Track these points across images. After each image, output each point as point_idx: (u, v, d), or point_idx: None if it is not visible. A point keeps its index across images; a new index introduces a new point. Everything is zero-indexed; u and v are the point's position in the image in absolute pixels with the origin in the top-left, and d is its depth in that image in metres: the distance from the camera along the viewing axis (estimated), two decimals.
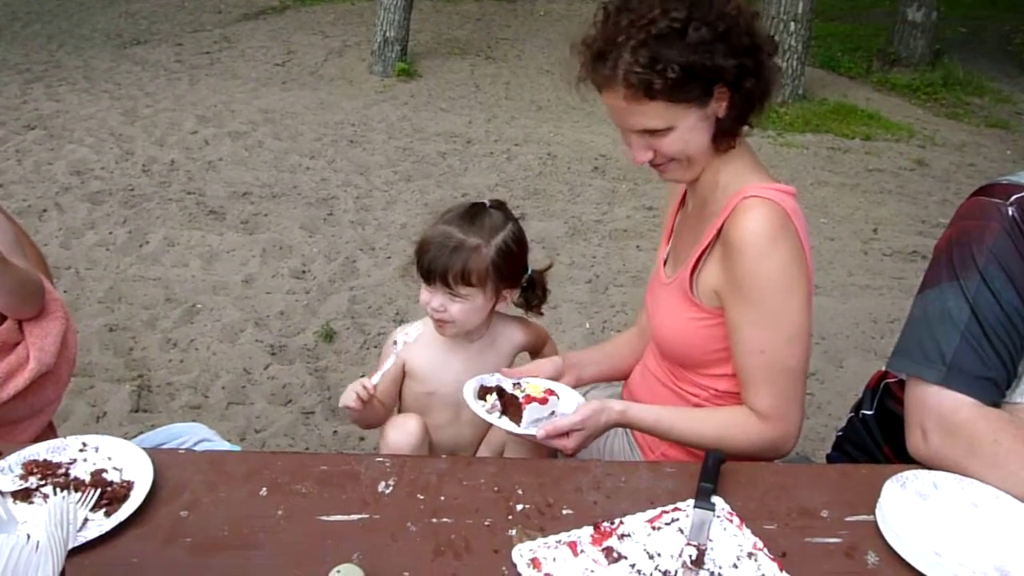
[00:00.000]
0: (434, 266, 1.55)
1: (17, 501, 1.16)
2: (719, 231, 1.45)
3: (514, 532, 1.14)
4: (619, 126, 1.46)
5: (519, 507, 1.20)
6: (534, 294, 1.71)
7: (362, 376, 1.57)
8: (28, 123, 6.28)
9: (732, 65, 1.36)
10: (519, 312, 1.77)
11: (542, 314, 1.77)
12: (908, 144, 7.23)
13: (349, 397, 1.54)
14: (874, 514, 1.19)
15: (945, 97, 8.96)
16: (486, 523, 1.17)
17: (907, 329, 1.38)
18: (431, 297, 1.58)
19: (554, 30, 11.24)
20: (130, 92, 7.35)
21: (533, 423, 1.44)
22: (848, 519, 1.20)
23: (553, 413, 1.49)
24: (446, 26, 10.90)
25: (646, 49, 1.33)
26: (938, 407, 1.28)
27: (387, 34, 8.57)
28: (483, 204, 1.63)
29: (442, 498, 1.22)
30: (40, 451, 1.25)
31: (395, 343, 1.63)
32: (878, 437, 1.61)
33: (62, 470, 1.22)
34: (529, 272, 1.68)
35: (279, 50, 9.39)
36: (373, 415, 1.63)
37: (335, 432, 3.00)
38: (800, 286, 1.40)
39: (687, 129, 1.40)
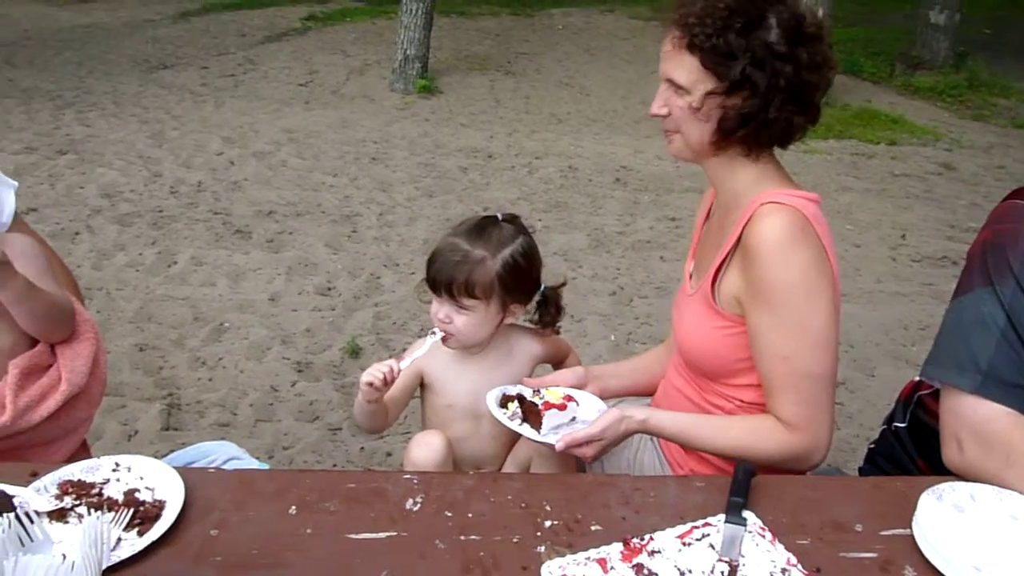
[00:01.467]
0: (439, 277, 1.56)
1: (52, 521, 1.17)
2: (739, 238, 1.44)
3: (543, 549, 1.14)
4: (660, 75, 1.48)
5: (547, 523, 1.19)
6: (547, 311, 1.70)
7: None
8: (60, 148, 6.41)
9: (775, 72, 1.37)
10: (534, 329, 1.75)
11: (557, 332, 1.75)
12: (934, 148, 7.15)
13: (372, 374, 1.50)
14: (910, 528, 1.16)
15: (971, 99, 8.85)
16: (514, 540, 1.16)
17: (940, 337, 1.36)
18: (439, 308, 1.59)
19: (572, 43, 11.28)
20: (157, 115, 7.47)
21: (553, 429, 1.44)
22: (883, 533, 1.18)
23: (574, 419, 1.49)
24: (465, 42, 10.98)
25: (725, 13, 1.36)
26: (973, 417, 1.25)
27: (407, 52, 8.65)
28: (495, 217, 1.64)
29: (470, 515, 1.22)
30: (74, 471, 1.27)
31: (433, 332, 1.61)
32: (911, 450, 1.58)
33: (96, 490, 1.23)
34: (542, 288, 1.67)
35: (301, 70, 9.51)
36: (380, 414, 1.60)
37: (362, 448, 3.01)
38: (822, 292, 1.39)
39: (696, 102, 1.41)
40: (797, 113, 1.42)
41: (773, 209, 1.39)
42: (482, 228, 1.60)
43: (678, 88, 1.42)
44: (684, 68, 1.40)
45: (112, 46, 10.65)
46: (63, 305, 1.52)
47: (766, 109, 1.40)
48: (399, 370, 1.53)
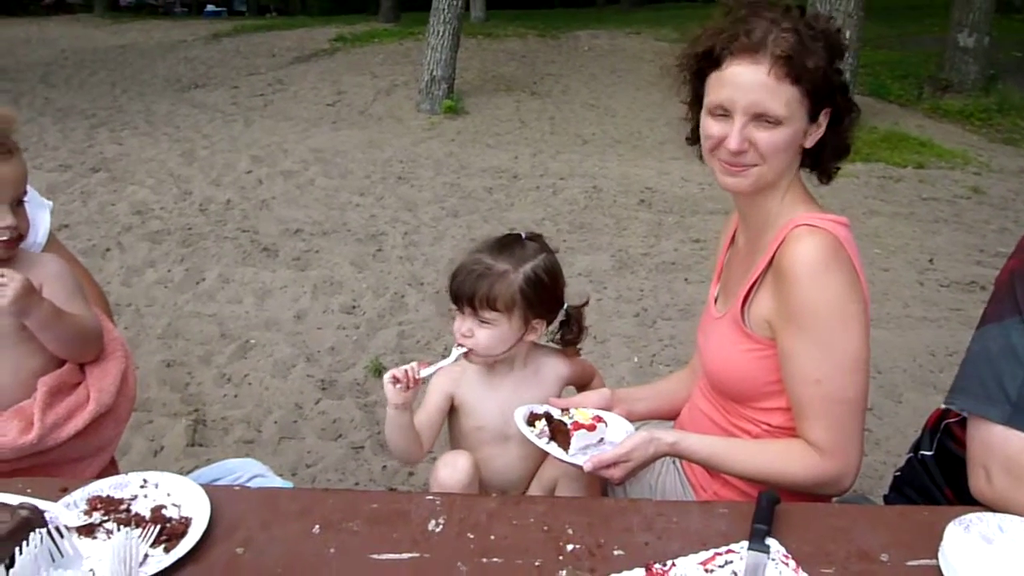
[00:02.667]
0: (462, 289, 1.57)
1: (82, 536, 1.19)
2: (770, 261, 1.44)
3: (564, 573, 1.14)
4: (728, 104, 1.40)
5: (569, 547, 1.19)
6: (570, 329, 1.70)
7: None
8: (93, 166, 6.56)
9: (844, 86, 1.41)
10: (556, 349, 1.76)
11: (579, 352, 1.75)
12: (963, 171, 7.08)
13: (393, 372, 1.50)
14: (936, 558, 1.15)
15: (1001, 123, 8.77)
16: (536, 563, 1.16)
17: (967, 366, 1.34)
18: (461, 323, 1.60)
19: (598, 65, 11.34)
20: (188, 135, 7.62)
21: (581, 450, 1.44)
22: (909, 563, 1.16)
23: (602, 440, 1.49)
24: (492, 63, 11.09)
25: (796, 35, 1.36)
26: (1003, 448, 1.23)
27: (434, 73, 8.75)
28: (519, 235, 1.66)
29: (492, 537, 1.22)
30: (103, 487, 1.29)
31: (459, 346, 1.61)
32: (938, 479, 1.55)
33: (124, 506, 1.25)
34: (565, 307, 1.68)
35: (329, 91, 9.65)
36: (411, 435, 1.60)
37: (384, 467, 3.02)
38: (856, 315, 1.38)
39: (792, 133, 1.40)
40: (856, 118, 1.48)
41: (807, 232, 1.39)
42: (505, 244, 1.63)
43: (768, 120, 1.38)
44: (784, 99, 1.36)
45: (145, 66, 10.89)
46: (90, 328, 1.54)
47: (841, 127, 1.45)
48: (420, 375, 1.52)
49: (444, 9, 8.74)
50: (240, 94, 9.45)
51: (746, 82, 1.37)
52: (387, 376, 1.51)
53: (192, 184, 6.21)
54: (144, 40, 13.00)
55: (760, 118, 1.38)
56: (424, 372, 1.53)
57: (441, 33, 8.74)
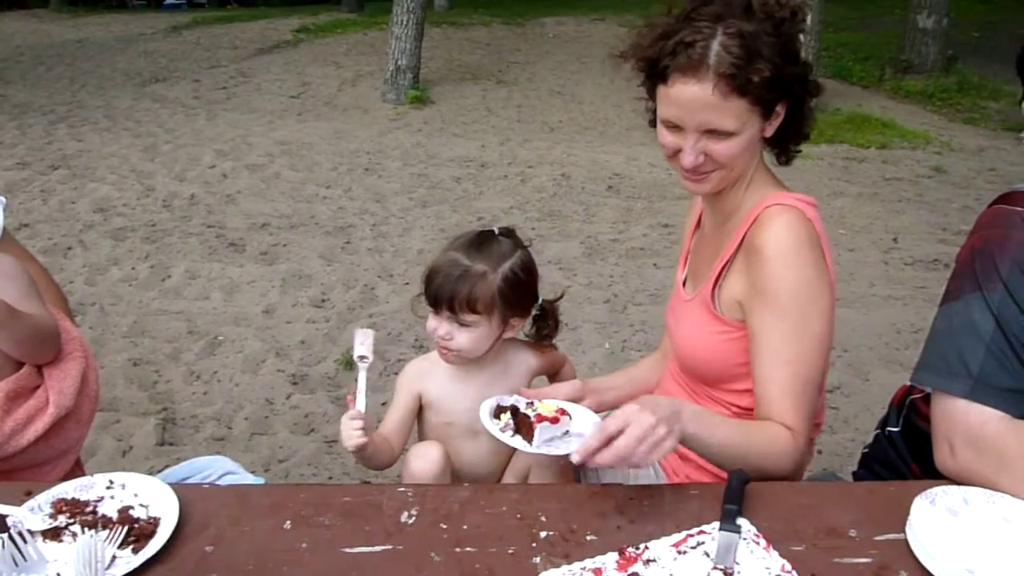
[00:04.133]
0: (440, 293, 1.54)
1: (47, 540, 1.17)
2: (741, 241, 1.45)
3: (539, 560, 1.14)
4: (678, 121, 1.38)
5: (543, 534, 1.19)
6: (545, 324, 1.69)
7: (355, 411, 1.46)
8: (52, 163, 6.41)
9: (800, 75, 1.39)
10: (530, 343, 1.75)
11: (554, 346, 1.74)
12: (925, 151, 7.19)
13: (353, 436, 1.44)
14: (904, 532, 1.17)
15: (961, 102, 8.92)
16: (510, 551, 1.16)
17: (931, 342, 1.36)
18: (437, 325, 1.58)
19: (564, 52, 11.33)
20: (150, 129, 7.48)
21: (546, 442, 1.44)
22: (877, 538, 1.18)
23: (567, 433, 1.49)
24: (457, 52, 11.02)
25: (741, 41, 1.31)
26: (965, 421, 1.26)
27: (399, 62, 8.68)
28: (492, 232, 1.63)
29: (465, 527, 1.21)
30: (68, 489, 1.26)
31: (362, 359, 1.54)
32: (905, 454, 1.58)
33: (90, 508, 1.23)
34: (540, 302, 1.67)
35: (294, 82, 9.53)
36: (379, 453, 1.57)
37: (358, 461, 3.00)
38: (823, 296, 1.39)
39: (747, 138, 1.39)
40: (814, 93, 1.46)
41: (779, 211, 1.40)
42: (481, 243, 1.59)
43: (721, 133, 1.36)
44: (733, 113, 1.34)
45: (104, 60, 10.66)
46: (46, 327, 1.50)
47: (800, 115, 1.44)
48: (360, 408, 1.48)
49: None
50: (202, 87, 9.29)
51: (692, 102, 1.34)
52: (351, 443, 1.45)
53: (155, 180, 6.11)
54: (102, 34, 12.72)
55: (712, 133, 1.37)
56: (361, 407, 1.48)
57: (405, 22, 8.67)
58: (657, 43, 1.37)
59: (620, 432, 1.19)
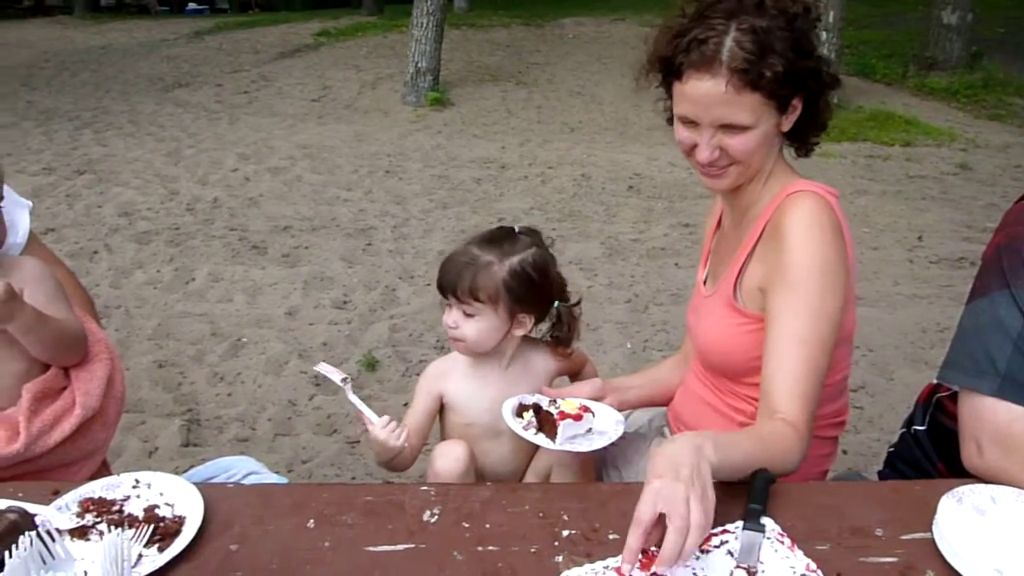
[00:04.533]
0: (446, 279, 1.58)
1: (74, 539, 1.18)
2: (763, 230, 1.45)
3: (561, 559, 1.14)
4: (693, 117, 1.39)
5: (565, 533, 1.19)
6: (560, 328, 1.67)
7: (385, 418, 1.52)
8: (78, 168, 6.51)
9: (815, 69, 1.38)
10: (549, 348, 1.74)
11: (570, 353, 1.71)
12: (950, 148, 7.10)
13: (394, 438, 1.50)
14: (931, 531, 1.15)
15: (986, 99, 8.79)
16: (532, 550, 1.16)
17: (957, 340, 1.35)
18: (448, 315, 1.60)
19: (584, 53, 11.31)
20: (173, 134, 7.57)
21: (569, 439, 1.44)
22: (903, 537, 1.17)
23: (590, 430, 1.49)
24: (476, 53, 11.05)
25: (754, 36, 1.32)
26: (993, 419, 1.24)
27: (419, 64, 8.71)
28: (512, 229, 1.65)
29: (487, 526, 1.22)
30: (95, 489, 1.28)
31: (344, 380, 1.58)
32: (931, 453, 1.56)
33: (116, 507, 1.24)
34: (556, 305, 1.66)
35: (315, 86, 9.60)
36: (403, 454, 1.59)
37: (381, 463, 3.01)
38: (840, 284, 1.38)
39: (763, 133, 1.39)
40: (833, 86, 1.45)
41: (803, 196, 1.41)
42: (496, 237, 1.62)
43: (736, 128, 1.37)
44: (747, 108, 1.35)
45: (128, 66, 10.80)
46: (73, 331, 1.52)
47: (817, 108, 1.44)
48: (387, 417, 1.53)
49: (427, 0, 8.69)
50: (224, 92, 9.38)
51: (706, 97, 1.36)
52: (394, 442, 1.50)
53: (179, 183, 6.17)
54: (126, 40, 12.89)
55: (728, 128, 1.38)
56: (373, 416, 1.53)
57: (425, 24, 8.70)
58: (672, 42, 1.39)
59: (652, 519, 1.05)
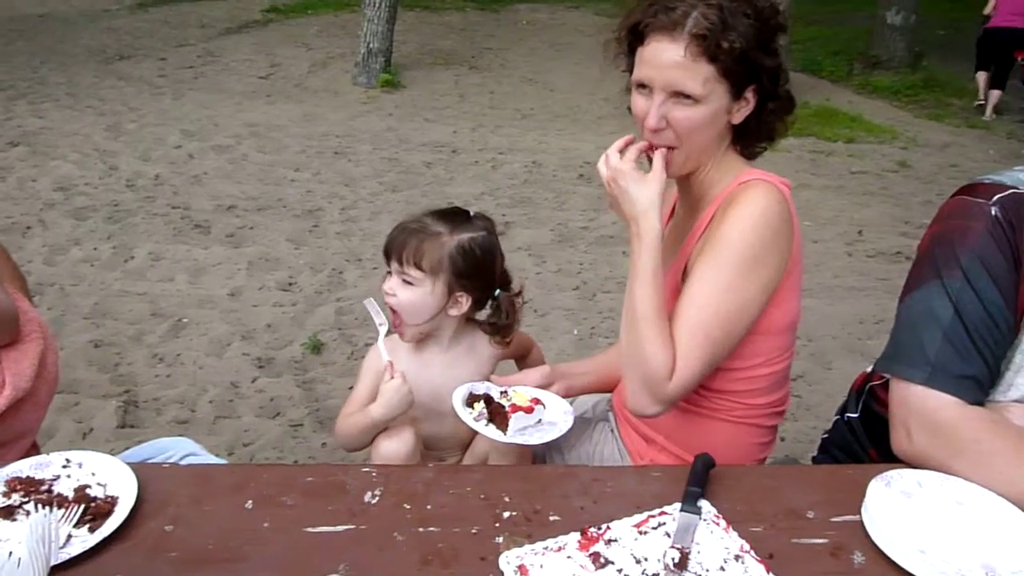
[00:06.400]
0: (393, 244, 1.60)
1: (1, 519, 1.15)
2: (713, 215, 1.46)
3: (501, 539, 1.14)
4: (647, 81, 1.41)
5: (506, 514, 1.20)
6: (499, 317, 1.67)
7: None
8: (12, 140, 6.25)
9: (772, 68, 1.40)
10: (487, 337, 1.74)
11: (507, 344, 1.71)
12: (891, 146, 7.29)
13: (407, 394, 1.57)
14: (860, 514, 1.19)
15: (926, 99, 9.05)
16: (473, 531, 1.16)
17: (894, 331, 1.39)
18: (387, 281, 1.62)
19: (538, 39, 11.29)
20: (114, 107, 7.32)
21: (519, 431, 1.45)
22: (834, 519, 1.20)
23: (540, 422, 1.49)
24: (430, 36, 10.93)
25: (719, 12, 1.35)
26: (922, 407, 1.28)
27: (371, 45, 8.58)
28: (467, 210, 1.65)
29: (429, 507, 1.21)
30: (23, 468, 1.24)
31: (381, 324, 1.63)
32: (863, 440, 1.61)
33: (45, 487, 1.21)
34: (497, 293, 1.66)
35: (263, 63, 9.38)
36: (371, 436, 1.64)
37: (324, 444, 2.98)
38: (765, 275, 1.39)
39: (710, 112, 1.40)
40: (787, 105, 1.48)
41: (756, 184, 1.43)
42: (450, 212, 1.64)
43: (686, 98, 1.39)
44: (700, 78, 1.36)
45: (68, 36, 10.39)
46: (3, 309, 1.47)
47: (766, 107, 1.45)
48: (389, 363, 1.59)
49: None
50: (169, 66, 9.09)
51: (664, 60, 1.38)
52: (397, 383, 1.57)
53: (119, 159, 5.98)
54: (65, 9, 12.37)
55: (678, 96, 1.39)
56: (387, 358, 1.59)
57: (378, 4, 8.56)
58: (642, 8, 1.42)
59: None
